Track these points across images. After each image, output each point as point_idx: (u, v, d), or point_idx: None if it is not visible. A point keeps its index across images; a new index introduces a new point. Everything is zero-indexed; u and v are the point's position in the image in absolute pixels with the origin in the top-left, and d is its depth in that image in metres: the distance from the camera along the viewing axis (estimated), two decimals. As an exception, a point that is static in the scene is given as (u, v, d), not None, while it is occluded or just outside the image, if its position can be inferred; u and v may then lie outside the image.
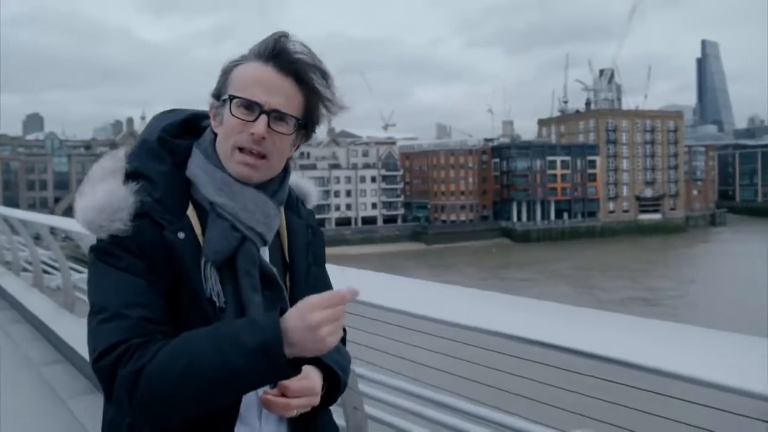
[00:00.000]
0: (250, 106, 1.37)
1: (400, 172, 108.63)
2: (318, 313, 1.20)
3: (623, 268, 71.31)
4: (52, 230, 8.04)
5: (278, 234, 1.52)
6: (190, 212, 1.40)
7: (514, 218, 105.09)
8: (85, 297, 6.83)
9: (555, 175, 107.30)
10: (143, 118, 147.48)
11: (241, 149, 1.39)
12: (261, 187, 1.44)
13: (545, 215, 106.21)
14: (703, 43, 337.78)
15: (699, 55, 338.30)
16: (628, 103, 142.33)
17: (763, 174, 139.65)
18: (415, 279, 2.89)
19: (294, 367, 1.24)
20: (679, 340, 1.83)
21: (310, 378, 1.40)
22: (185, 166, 1.44)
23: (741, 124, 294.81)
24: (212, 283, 1.35)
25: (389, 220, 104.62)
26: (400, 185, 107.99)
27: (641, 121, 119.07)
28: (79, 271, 8.15)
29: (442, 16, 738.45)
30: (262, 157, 1.40)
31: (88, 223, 1.35)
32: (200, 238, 1.38)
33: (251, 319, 1.27)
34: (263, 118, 1.37)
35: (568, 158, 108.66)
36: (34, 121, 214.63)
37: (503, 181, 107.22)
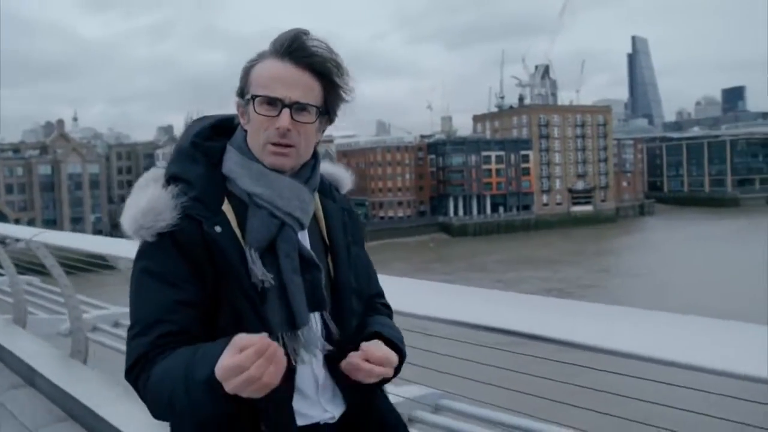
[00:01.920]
0: (272, 102, 1.46)
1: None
2: (233, 381, 1.21)
3: (548, 259, 73.31)
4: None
5: (316, 219, 1.61)
6: (226, 207, 1.49)
7: (451, 213, 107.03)
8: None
9: (490, 170, 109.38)
10: (75, 119, 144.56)
11: (271, 143, 1.49)
12: (294, 175, 1.54)
13: (481, 209, 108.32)
14: (633, 39, 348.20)
15: (630, 50, 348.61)
16: (563, 97, 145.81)
17: (689, 165, 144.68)
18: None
19: (235, 398, 1.25)
20: (668, 328, 1.87)
21: (389, 350, 1.51)
22: (220, 166, 1.54)
23: (670, 117, 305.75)
24: (258, 267, 1.44)
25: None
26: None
27: (572, 116, 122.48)
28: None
29: (383, 12, 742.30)
30: (291, 146, 1.49)
31: (136, 227, 1.45)
32: (236, 231, 1.47)
33: (207, 349, 1.29)
34: (286, 111, 1.45)
35: (502, 153, 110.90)
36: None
37: (439, 176, 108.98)
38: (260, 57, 1.51)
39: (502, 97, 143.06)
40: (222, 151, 1.56)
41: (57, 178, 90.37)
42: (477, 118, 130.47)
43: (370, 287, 1.72)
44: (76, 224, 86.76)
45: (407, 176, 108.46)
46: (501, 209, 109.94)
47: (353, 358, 1.46)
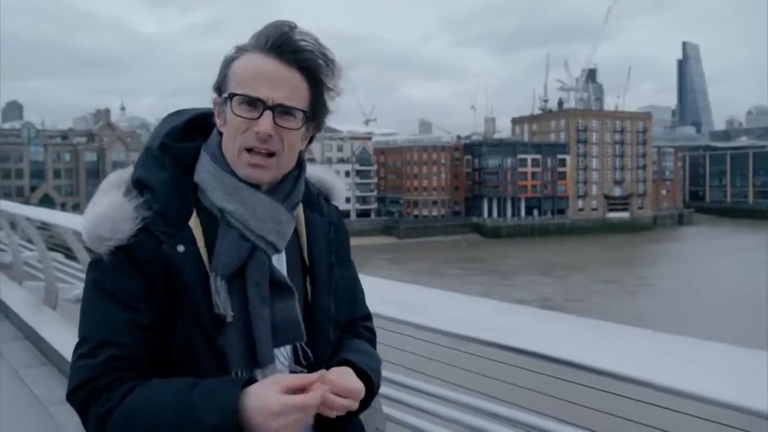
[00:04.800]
0: (252, 102, 1.29)
1: (374, 167, 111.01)
2: (280, 419, 1.16)
3: (566, 266, 72.64)
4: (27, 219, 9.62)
5: (297, 234, 1.45)
6: (194, 222, 1.33)
7: (485, 214, 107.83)
8: (30, 270, 8.77)
9: (525, 173, 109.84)
10: (122, 108, 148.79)
11: (248, 150, 1.31)
12: (273, 191, 1.37)
13: (515, 212, 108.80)
14: (684, 45, 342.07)
15: (680, 56, 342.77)
16: (609, 102, 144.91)
17: (732, 176, 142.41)
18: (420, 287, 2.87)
19: None
20: (673, 352, 1.79)
21: (357, 381, 1.34)
22: (193, 171, 1.37)
23: (720, 125, 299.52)
24: (222, 300, 1.29)
25: (363, 214, 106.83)
26: (374, 180, 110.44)
27: (611, 121, 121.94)
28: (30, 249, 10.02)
29: (432, 14, 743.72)
30: (271, 155, 1.32)
31: (89, 237, 1.30)
32: (202, 251, 1.31)
33: (214, 390, 1.19)
34: (267, 114, 1.29)
35: (538, 156, 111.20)
36: (12, 109, 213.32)
37: (475, 177, 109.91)
38: (242, 50, 1.35)
39: (546, 101, 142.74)
40: (196, 154, 1.39)
41: (102, 164, 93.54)
42: (516, 121, 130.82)
43: (353, 311, 1.57)
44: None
45: (443, 176, 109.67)
46: (535, 212, 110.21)
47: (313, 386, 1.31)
